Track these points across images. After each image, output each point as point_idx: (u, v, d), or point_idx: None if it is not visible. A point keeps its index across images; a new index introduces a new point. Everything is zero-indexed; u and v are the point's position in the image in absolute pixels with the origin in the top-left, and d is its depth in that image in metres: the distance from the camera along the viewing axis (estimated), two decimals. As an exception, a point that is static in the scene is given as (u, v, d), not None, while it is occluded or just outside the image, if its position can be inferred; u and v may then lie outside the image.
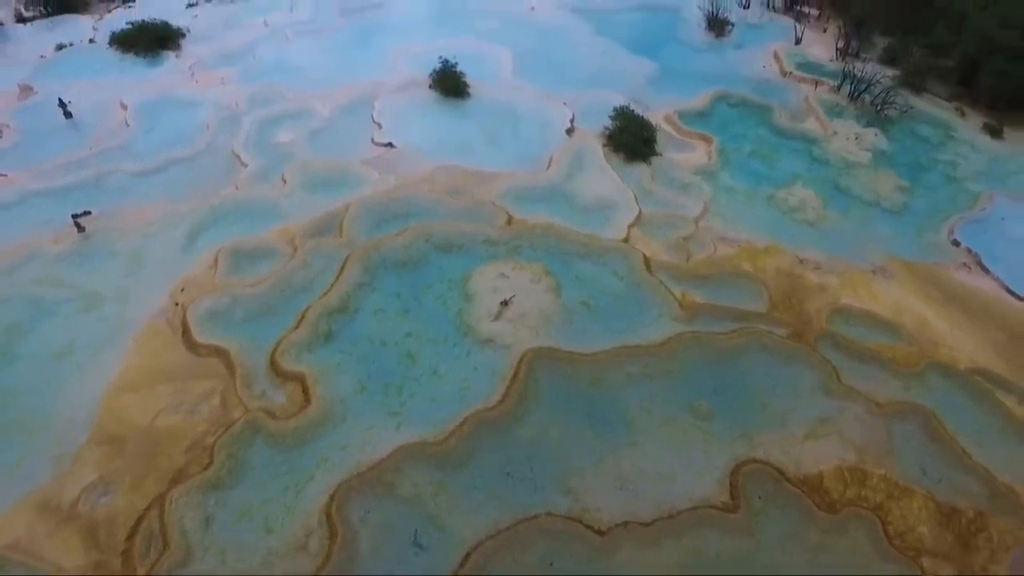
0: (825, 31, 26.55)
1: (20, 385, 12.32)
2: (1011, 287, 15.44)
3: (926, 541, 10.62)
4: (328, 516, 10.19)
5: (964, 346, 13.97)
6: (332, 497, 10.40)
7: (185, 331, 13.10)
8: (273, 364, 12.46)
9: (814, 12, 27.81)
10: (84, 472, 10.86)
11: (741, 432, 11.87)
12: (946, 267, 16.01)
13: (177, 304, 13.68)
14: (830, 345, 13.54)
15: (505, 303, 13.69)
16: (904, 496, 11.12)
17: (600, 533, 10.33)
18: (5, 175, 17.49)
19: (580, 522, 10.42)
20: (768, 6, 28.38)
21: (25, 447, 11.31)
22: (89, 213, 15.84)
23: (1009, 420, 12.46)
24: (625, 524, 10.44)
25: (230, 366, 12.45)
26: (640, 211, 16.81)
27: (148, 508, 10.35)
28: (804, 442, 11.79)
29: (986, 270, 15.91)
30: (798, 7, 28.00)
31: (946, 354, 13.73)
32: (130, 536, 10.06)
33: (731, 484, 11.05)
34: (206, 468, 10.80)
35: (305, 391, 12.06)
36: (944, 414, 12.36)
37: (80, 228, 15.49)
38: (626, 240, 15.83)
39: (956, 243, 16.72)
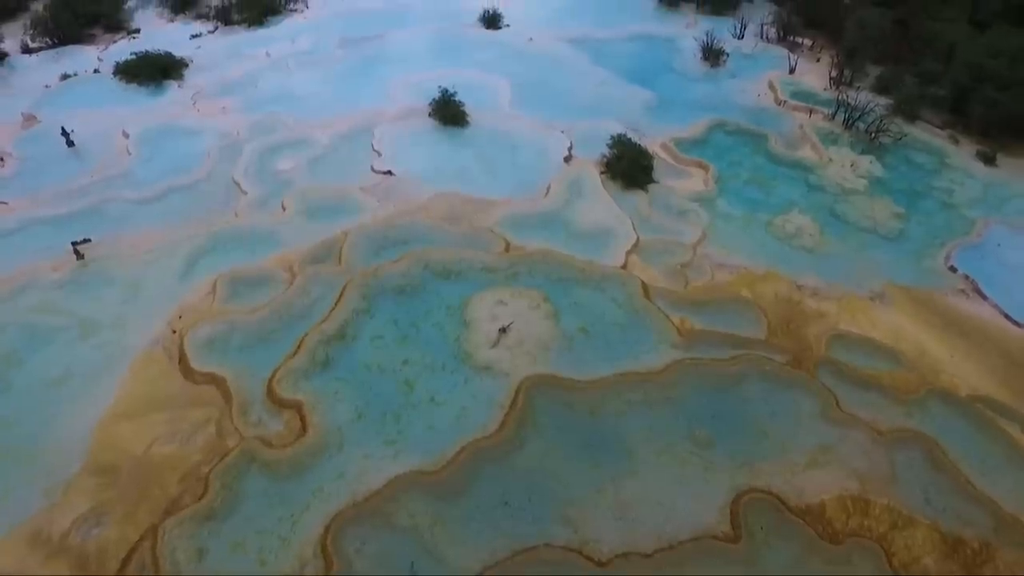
0: (818, 60, 26.98)
1: (14, 414, 12.25)
2: (1009, 313, 15.43)
3: (931, 572, 10.43)
4: (323, 547, 10.04)
5: (964, 373, 13.91)
6: (327, 528, 10.26)
7: (182, 359, 13.05)
8: (270, 392, 12.39)
9: (807, 42, 28.29)
10: (76, 502, 10.72)
11: (742, 460, 11.76)
12: (944, 293, 16.02)
13: (174, 331, 13.65)
14: (829, 372, 13.48)
15: (503, 330, 13.66)
16: (908, 526, 10.96)
17: (600, 564, 10.15)
18: (6, 203, 17.61)
19: (579, 553, 10.26)
20: (762, 36, 28.86)
21: (17, 477, 11.19)
22: (88, 241, 15.89)
23: (1013, 448, 12.34)
24: (625, 555, 10.28)
25: (226, 394, 12.37)
26: (638, 238, 16.89)
27: (140, 539, 10.19)
28: (805, 471, 11.66)
29: (984, 296, 15.92)
30: (791, 37, 28.50)
31: (947, 381, 13.66)
32: (122, 568, 9.89)
33: (732, 514, 10.90)
34: (200, 498, 10.67)
35: (302, 419, 11.97)
36: (946, 442, 12.26)
37: (79, 255, 15.52)
38: (624, 267, 15.87)
39: (953, 269, 16.75)
